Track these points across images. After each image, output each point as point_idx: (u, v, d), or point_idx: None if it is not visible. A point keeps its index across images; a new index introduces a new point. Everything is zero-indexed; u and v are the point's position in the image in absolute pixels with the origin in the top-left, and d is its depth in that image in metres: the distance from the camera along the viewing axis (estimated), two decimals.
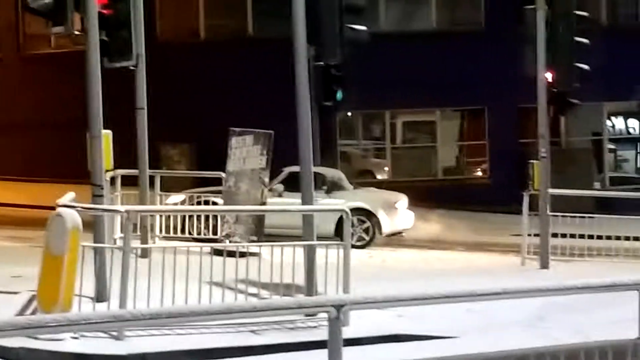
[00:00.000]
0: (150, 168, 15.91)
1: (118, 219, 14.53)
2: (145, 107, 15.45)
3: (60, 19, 11.94)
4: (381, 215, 20.62)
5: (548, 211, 17.20)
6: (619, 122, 30.63)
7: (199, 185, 20.79)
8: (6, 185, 27.82)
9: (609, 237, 18.51)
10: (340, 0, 12.25)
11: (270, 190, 17.74)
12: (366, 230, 20.48)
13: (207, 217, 16.98)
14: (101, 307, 10.60)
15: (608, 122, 30.31)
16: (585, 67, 17.21)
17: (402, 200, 21.35)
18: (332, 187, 20.57)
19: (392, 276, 15.37)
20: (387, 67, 27.27)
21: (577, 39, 17.13)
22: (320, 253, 11.64)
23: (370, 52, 17.32)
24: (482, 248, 20.71)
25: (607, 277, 8.03)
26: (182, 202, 18.93)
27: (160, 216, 16.93)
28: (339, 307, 6.47)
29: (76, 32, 12.14)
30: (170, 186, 19.66)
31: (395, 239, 21.13)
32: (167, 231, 17.13)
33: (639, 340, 7.60)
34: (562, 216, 17.78)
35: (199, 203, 18.62)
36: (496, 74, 26.78)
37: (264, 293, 11.50)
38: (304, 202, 11.94)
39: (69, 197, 11.19)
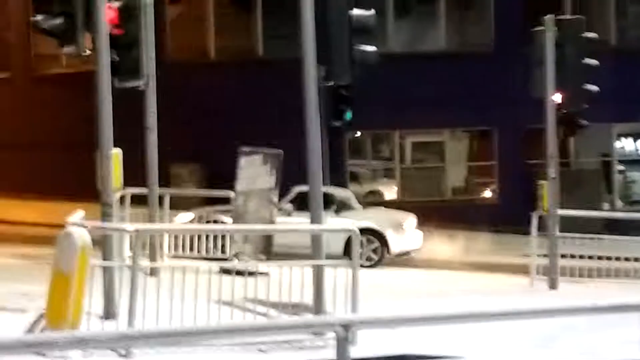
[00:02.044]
0: (159, 187, 15.93)
1: (127, 238, 14.55)
2: (155, 127, 15.49)
3: (70, 39, 12.01)
4: (390, 235, 20.62)
5: (557, 232, 17.18)
6: (628, 143, 30.58)
7: (208, 205, 20.81)
8: (17, 203, 27.85)
9: (617, 258, 18.47)
10: (350, 21, 12.29)
11: (279, 209, 17.75)
12: (375, 250, 20.47)
13: (215, 237, 17.00)
14: (110, 325, 10.61)
15: (617, 143, 30.26)
16: (594, 88, 17.23)
17: (411, 220, 21.34)
18: (341, 207, 20.58)
19: (400, 296, 15.35)
20: (396, 88, 27.30)
21: (586, 60, 17.16)
22: (329, 273, 11.64)
23: (380, 73, 17.34)
24: (491, 268, 20.66)
25: (616, 298, 8.03)
26: (191, 221, 18.95)
27: (169, 235, 16.95)
28: (346, 326, 6.48)
29: (87, 52, 12.21)
30: (179, 205, 19.67)
31: (404, 259, 21.11)
32: (176, 250, 17.15)
33: None
34: (571, 237, 17.75)
35: (207, 222, 18.64)
36: (505, 95, 26.78)
37: (273, 312, 11.50)
38: (312, 222, 11.96)
39: (78, 215, 11.22)
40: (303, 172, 12.12)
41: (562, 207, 17.84)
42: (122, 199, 16.13)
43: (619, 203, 29.54)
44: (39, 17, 12.29)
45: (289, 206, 19.63)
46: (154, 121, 15.48)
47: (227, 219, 17.65)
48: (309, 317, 9.92)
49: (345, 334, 6.45)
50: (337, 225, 18.48)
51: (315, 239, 11.87)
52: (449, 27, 29.61)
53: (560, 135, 18.43)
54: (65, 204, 20.32)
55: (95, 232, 10.83)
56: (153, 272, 12.68)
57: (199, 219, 18.87)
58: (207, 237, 17.12)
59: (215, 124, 27.66)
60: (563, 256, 17.52)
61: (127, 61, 13.53)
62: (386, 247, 20.57)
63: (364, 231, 18.49)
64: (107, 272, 11.29)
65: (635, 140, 30.49)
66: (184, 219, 19.16)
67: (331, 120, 16.94)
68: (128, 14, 13.64)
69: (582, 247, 17.97)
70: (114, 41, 12.52)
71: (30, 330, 10.73)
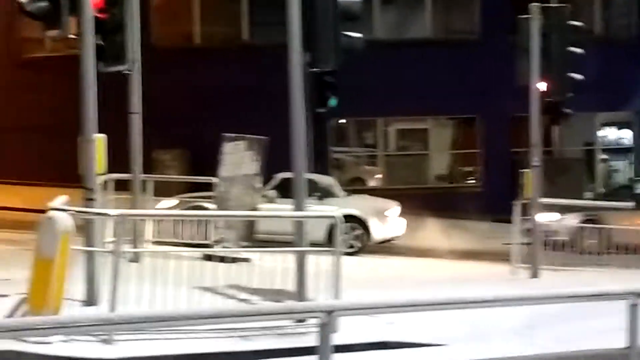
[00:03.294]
0: (142, 173, 15.89)
1: (109, 223, 14.51)
2: (139, 112, 15.44)
3: (55, 23, 11.95)
4: (372, 222, 20.64)
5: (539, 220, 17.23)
6: (611, 133, 30.69)
7: (191, 191, 20.78)
8: None
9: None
10: (336, 7, 12.27)
11: (262, 196, 17.75)
12: (357, 238, 20.49)
13: (198, 222, 16.98)
14: (91, 311, 10.59)
15: (600, 132, 30.36)
16: (579, 77, 17.27)
17: (394, 207, 21.37)
18: (324, 194, 20.60)
19: (383, 284, 15.38)
20: (381, 75, 27.31)
21: (570, 49, 17.19)
22: (311, 260, 11.65)
23: (364, 60, 17.32)
24: (473, 256, 20.73)
25: (597, 287, 8.07)
26: (174, 207, 18.92)
27: (152, 221, 16.91)
28: (329, 312, 6.49)
29: (71, 36, 12.15)
30: (162, 191, 19.64)
31: (387, 247, 21.15)
32: (159, 236, 17.12)
33: (627, 350, 7.63)
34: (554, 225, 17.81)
35: (190, 208, 18.61)
36: (490, 83, 26.83)
37: (255, 299, 11.51)
38: (295, 209, 11.96)
39: (61, 200, 11.18)
40: (287, 158, 12.11)
41: (545, 196, 17.88)
42: (105, 184, 16.09)
43: (601, 192, 29.66)
44: (24, 0, 12.21)
45: (272, 193, 19.64)
46: (138, 106, 15.43)
47: (210, 205, 17.63)
48: (291, 303, 9.91)
49: (327, 320, 6.46)
50: (320, 212, 18.48)
51: (298, 225, 11.87)
52: (435, 14, 29.63)
53: (544, 124, 18.45)
54: (48, 188, 20.30)
55: (78, 217, 10.79)
56: (135, 257, 12.66)
57: (182, 205, 18.84)
58: (189, 223, 17.10)
59: (200, 110, 27.63)
60: (545, 244, 17.58)
61: (112, 46, 13.48)
62: (369, 234, 20.59)
63: (347, 218, 18.49)
64: (90, 257, 11.26)
65: (618, 130, 30.59)
66: (167, 205, 19.13)
67: (315, 106, 16.87)
68: None
69: (565, 235, 18.02)
70: (99, 25, 12.47)
71: (11, 315, 10.70)
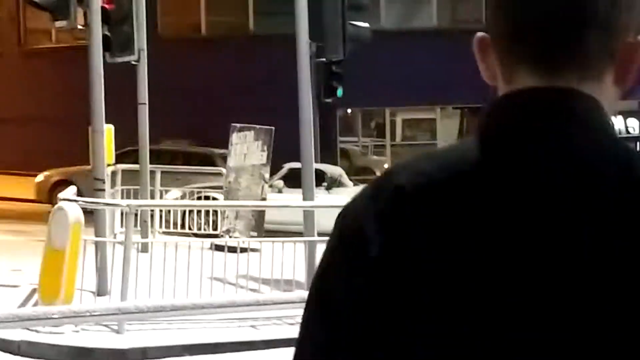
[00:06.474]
0: (150, 163, 15.91)
1: (118, 214, 14.53)
2: (147, 103, 15.45)
3: (63, 13, 11.98)
4: None
5: None
6: (618, 122, 30.64)
7: (199, 181, 20.79)
8: (7, 179, 27.85)
9: None
10: None
11: (270, 186, 17.75)
12: None
13: (207, 213, 17.00)
14: (102, 300, 10.62)
15: None
16: None
17: None
18: (332, 184, 20.57)
19: None
20: (388, 65, 27.28)
21: None
22: (320, 250, 11.65)
23: (371, 49, 17.31)
24: None
25: None
26: (182, 198, 18.94)
27: (160, 211, 16.94)
28: None
29: (79, 27, 12.18)
30: (170, 182, 19.65)
31: None
32: (167, 226, 17.15)
33: None
34: None
35: (199, 198, 18.64)
36: None
37: (265, 289, 11.52)
38: (304, 199, 11.97)
39: (70, 190, 11.21)
40: (294, 148, 12.11)
41: None
42: (113, 175, 16.11)
43: None
44: None
45: (280, 183, 19.63)
46: (146, 97, 15.43)
47: (219, 195, 17.65)
48: (303, 292, 9.92)
49: None
50: (328, 202, 18.44)
51: (307, 215, 11.88)
52: (441, 3, 29.59)
53: None
54: None
55: (87, 208, 10.81)
56: (144, 248, 12.68)
57: (190, 195, 18.87)
58: (198, 213, 17.13)
59: (207, 100, 27.64)
60: None
61: (119, 36, 13.50)
62: None
63: None
64: (99, 247, 11.29)
65: (625, 119, 30.55)
66: (174, 195, 19.14)
67: (322, 96, 16.90)
68: None
69: None
70: (106, 16, 12.50)
71: (23, 305, 10.73)
